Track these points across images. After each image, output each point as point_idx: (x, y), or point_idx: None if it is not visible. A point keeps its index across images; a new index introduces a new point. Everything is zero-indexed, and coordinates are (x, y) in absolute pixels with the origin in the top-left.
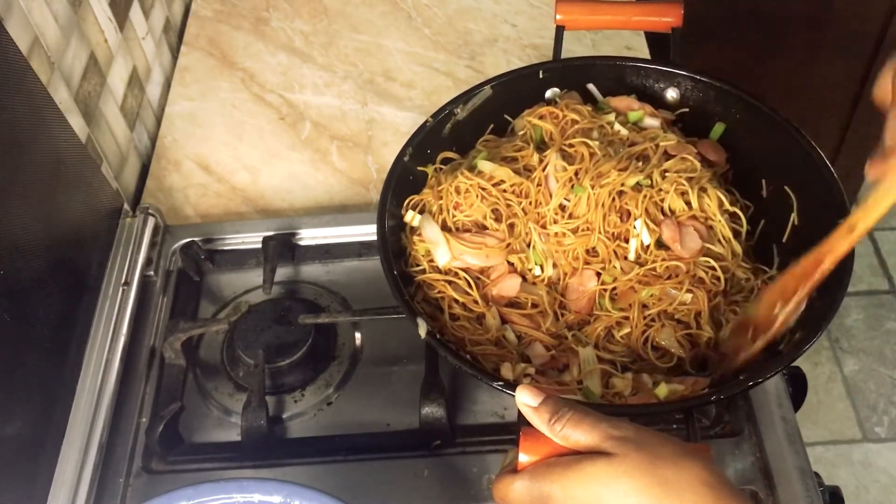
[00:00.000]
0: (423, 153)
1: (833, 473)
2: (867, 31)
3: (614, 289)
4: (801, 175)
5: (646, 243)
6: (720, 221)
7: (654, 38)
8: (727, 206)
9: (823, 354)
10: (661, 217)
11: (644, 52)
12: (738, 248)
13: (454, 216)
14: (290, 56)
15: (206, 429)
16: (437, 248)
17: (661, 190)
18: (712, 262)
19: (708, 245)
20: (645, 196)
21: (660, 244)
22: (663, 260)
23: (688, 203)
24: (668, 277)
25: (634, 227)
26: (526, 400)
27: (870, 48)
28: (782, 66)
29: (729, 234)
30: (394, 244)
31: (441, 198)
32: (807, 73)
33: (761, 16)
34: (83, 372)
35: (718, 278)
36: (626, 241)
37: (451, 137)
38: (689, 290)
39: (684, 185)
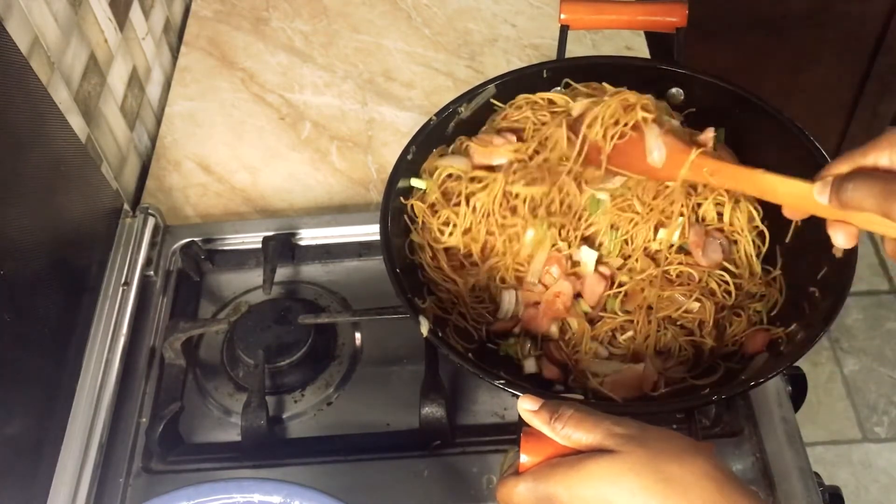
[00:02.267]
0: (426, 151)
1: (833, 473)
2: (867, 31)
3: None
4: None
5: (673, 241)
6: (747, 237)
7: (653, 39)
8: (757, 221)
9: (823, 354)
10: (692, 221)
11: (644, 52)
12: (757, 268)
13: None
14: (290, 56)
15: (206, 429)
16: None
17: (699, 194)
18: (727, 277)
19: (726, 263)
20: (690, 195)
21: (681, 248)
22: (679, 264)
23: (719, 214)
24: (680, 284)
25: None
26: (526, 406)
27: (870, 48)
28: (782, 66)
29: (752, 252)
30: (396, 242)
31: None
32: (807, 73)
33: (761, 16)
34: (83, 372)
35: (729, 293)
36: (657, 229)
37: (454, 136)
38: (697, 300)
39: (723, 195)
